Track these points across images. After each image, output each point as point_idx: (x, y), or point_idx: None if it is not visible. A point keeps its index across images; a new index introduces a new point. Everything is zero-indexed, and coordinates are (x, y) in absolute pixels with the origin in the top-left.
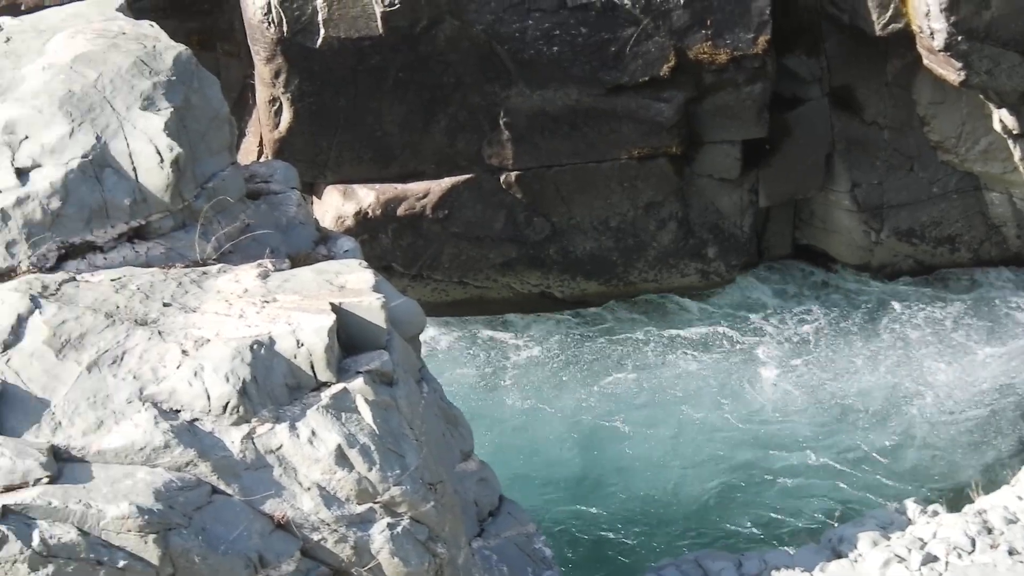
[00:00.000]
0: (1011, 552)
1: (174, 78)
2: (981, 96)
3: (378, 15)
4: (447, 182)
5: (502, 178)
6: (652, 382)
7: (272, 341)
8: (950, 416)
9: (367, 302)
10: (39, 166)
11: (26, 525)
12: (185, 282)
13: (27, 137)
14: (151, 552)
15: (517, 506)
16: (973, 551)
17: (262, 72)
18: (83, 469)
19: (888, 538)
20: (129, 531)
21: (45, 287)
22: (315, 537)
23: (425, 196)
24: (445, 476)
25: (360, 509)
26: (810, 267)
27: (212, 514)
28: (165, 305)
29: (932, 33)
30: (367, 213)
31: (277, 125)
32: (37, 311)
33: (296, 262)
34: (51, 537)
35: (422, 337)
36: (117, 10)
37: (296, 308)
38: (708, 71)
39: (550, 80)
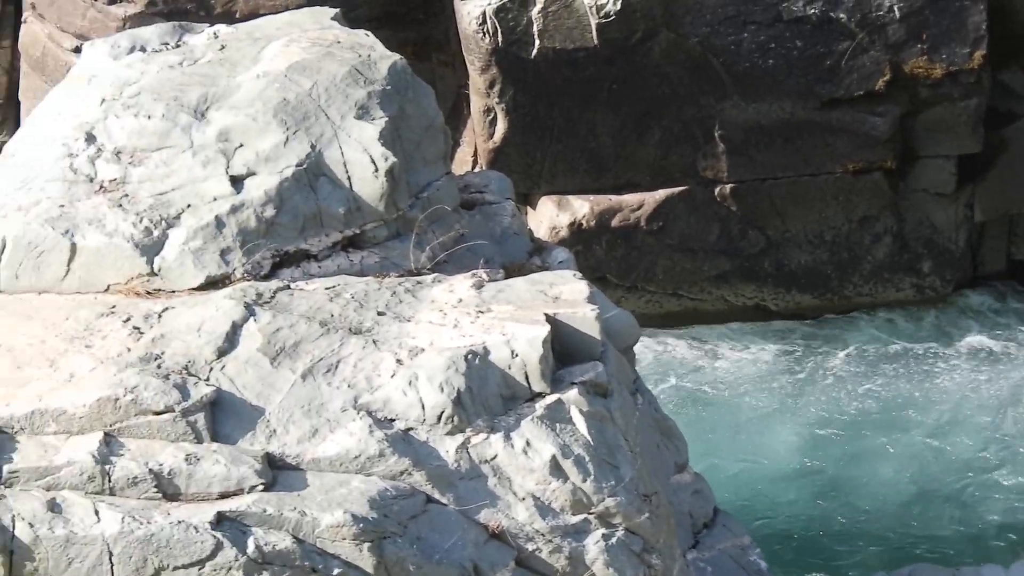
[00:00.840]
0: None
1: (389, 87)
2: None
3: (593, 27)
4: (661, 194)
5: (716, 190)
6: (871, 396)
7: (487, 351)
8: None
9: (581, 313)
10: (254, 174)
11: (241, 532)
12: (399, 291)
13: (242, 145)
14: (366, 560)
15: (732, 518)
16: None
17: (476, 82)
18: (298, 477)
19: None
20: (344, 539)
21: (259, 295)
22: (529, 547)
23: (639, 208)
24: (659, 487)
25: (575, 520)
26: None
27: (427, 523)
28: (379, 314)
29: None
30: (581, 224)
31: (492, 135)
32: (252, 319)
33: (510, 272)
34: (266, 544)
35: (635, 348)
36: (332, 19)
37: (510, 319)
38: (923, 85)
39: (765, 93)
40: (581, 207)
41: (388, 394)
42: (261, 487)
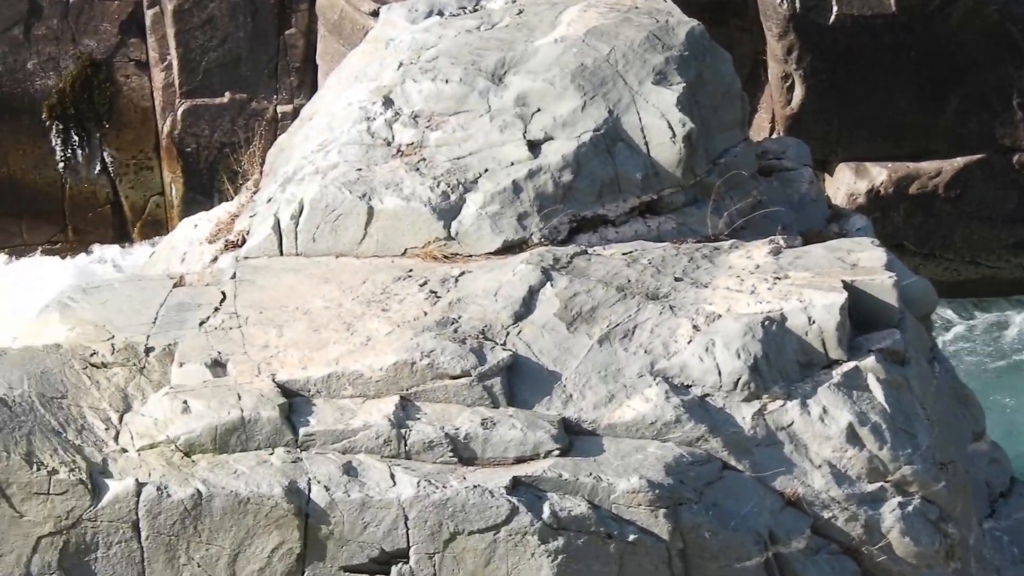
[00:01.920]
0: None
1: (687, 53)
2: None
3: None
4: (959, 161)
5: (1014, 158)
6: None
7: (783, 318)
8: None
9: (879, 280)
10: (551, 139)
11: (536, 497)
12: (696, 257)
13: (539, 110)
14: (661, 527)
15: None
16: None
17: (774, 48)
18: (593, 442)
19: None
20: (639, 505)
21: (556, 260)
22: (825, 515)
23: (937, 175)
24: (956, 456)
25: (871, 488)
26: None
27: (723, 490)
28: (676, 280)
29: None
30: (879, 191)
31: (789, 102)
32: (548, 283)
33: (808, 239)
34: (561, 510)
35: (932, 316)
36: None
37: (808, 285)
38: None
39: None
40: (879, 174)
41: (685, 360)
42: (557, 452)
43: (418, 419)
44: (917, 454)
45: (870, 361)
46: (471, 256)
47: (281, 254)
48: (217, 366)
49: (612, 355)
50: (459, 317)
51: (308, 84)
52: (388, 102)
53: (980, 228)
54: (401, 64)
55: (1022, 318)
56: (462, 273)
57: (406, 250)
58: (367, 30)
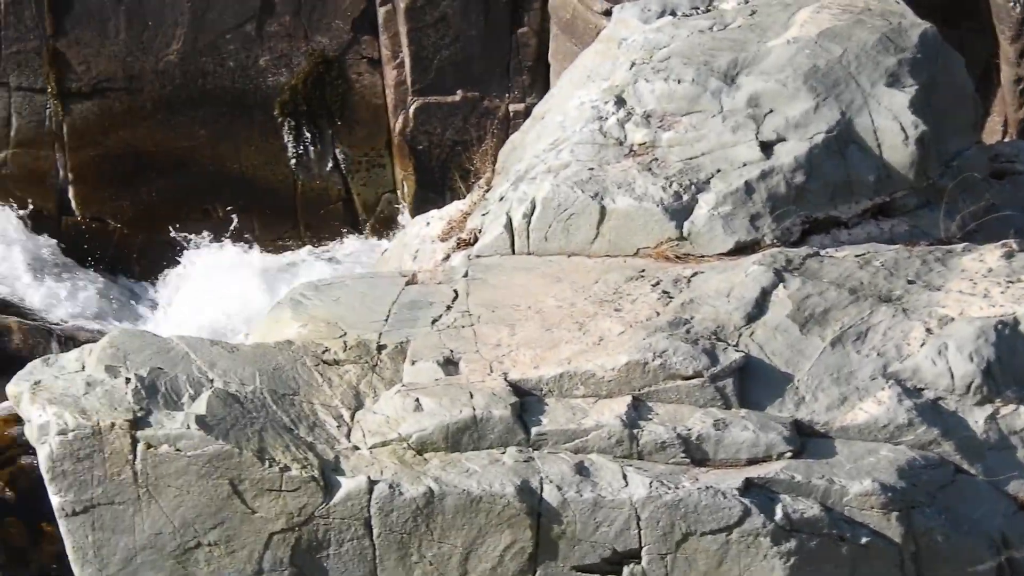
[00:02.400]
0: None
1: (919, 55)
2: None
3: None
4: None
5: None
6: None
7: (1016, 321)
8: None
9: None
10: (783, 140)
11: (769, 499)
12: (929, 260)
13: (771, 111)
14: (894, 530)
15: None
16: None
17: (1007, 51)
18: (826, 445)
19: None
20: (872, 508)
21: (789, 261)
22: None
23: None
24: None
25: None
26: None
27: (956, 494)
28: (909, 282)
29: None
30: None
31: (1022, 105)
32: (781, 285)
33: None
34: (794, 512)
35: None
36: None
37: None
38: None
39: None
40: None
41: (917, 363)
42: (790, 454)
43: (650, 419)
44: None
45: None
46: (703, 256)
47: (513, 252)
48: (449, 364)
49: (844, 357)
50: (691, 318)
51: (540, 83)
52: (620, 101)
53: None
54: (633, 64)
55: None
56: (694, 274)
57: (638, 250)
58: (599, 29)
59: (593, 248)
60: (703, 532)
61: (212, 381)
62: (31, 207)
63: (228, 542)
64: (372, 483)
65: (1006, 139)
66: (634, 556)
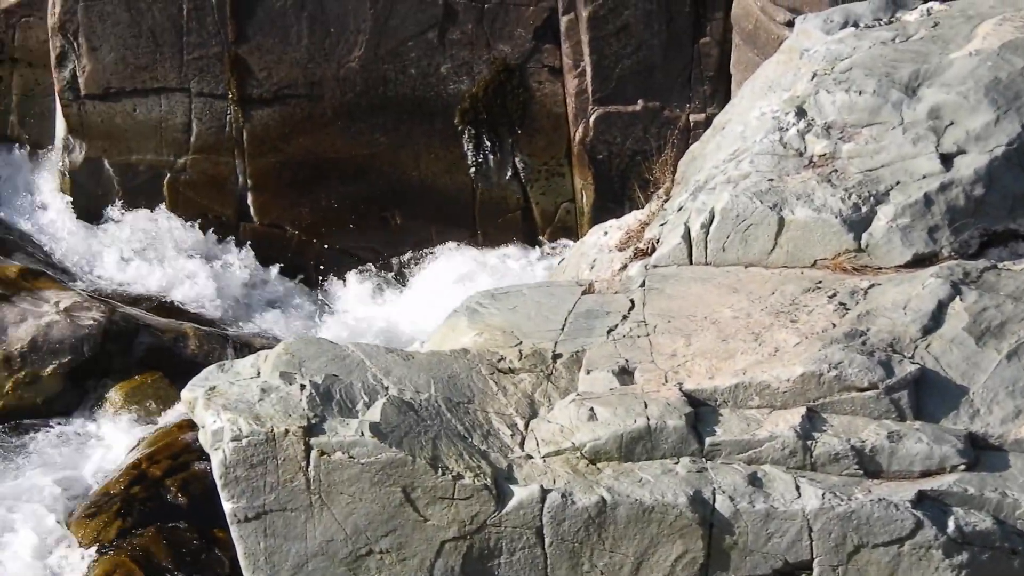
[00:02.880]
0: None
1: None
2: None
3: None
4: None
5: None
6: None
7: None
8: None
9: None
10: (963, 152)
11: (941, 512)
12: None
13: (952, 123)
14: None
15: None
16: None
17: None
18: (999, 458)
19: None
20: None
21: (966, 274)
22: None
23: None
24: None
25: None
26: None
27: None
28: None
29: None
30: None
31: None
32: (958, 297)
33: None
34: (966, 524)
35: None
36: None
37: None
38: None
39: None
40: None
41: None
42: (963, 467)
43: (824, 431)
44: None
45: None
46: (880, 268)
47: (691, 263)
48: (624, 374)
49: (1020, 371)
50: (867, 329)
51: (721, 93)
52: (801, 112)
53: None
54: (815, 75)
55: None
56: (871, 285)
57: (815, 261)
58: (781, 40)
59: (770, 259)
60: (875, 544)
61: (387, 388)
62: (210, 213)
63: (400, 550)
64: (545, 492)
65: None
66: (806, 567)
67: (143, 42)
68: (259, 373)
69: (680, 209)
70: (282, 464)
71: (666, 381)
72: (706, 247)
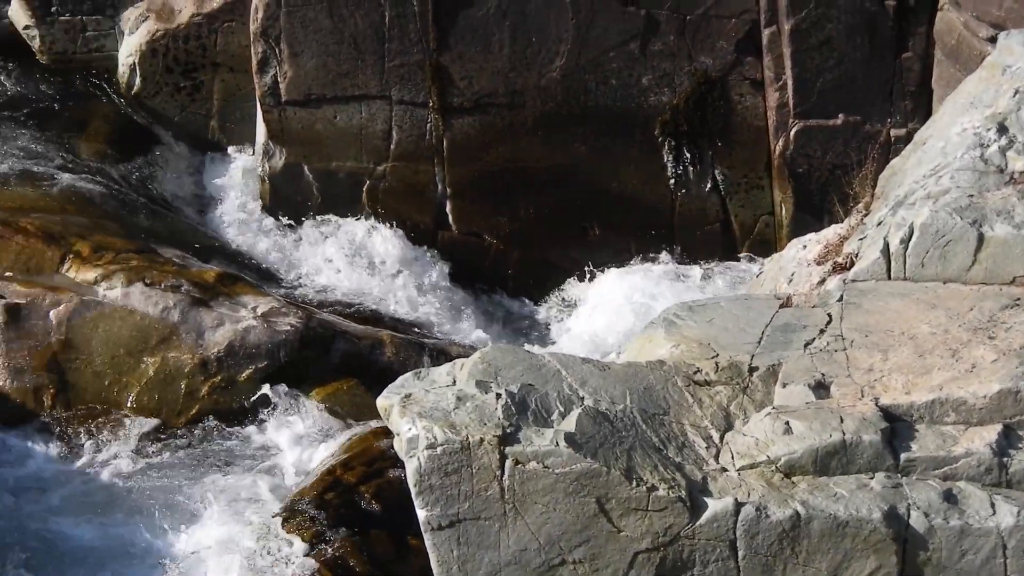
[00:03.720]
0: None
1: None
2: None
3: None
4: None
5: None
6: None
7: None
8: None
9: None
10: None
11: None
12: None
13: None
14: None
15: None
16: None
17: None
18: None
19: None
20: None
21: None
22: None
23: None
24: None
25: None
26: None
27: None
28: None
29: None
30: None
31: None
32: None
33: None
34: None
35: None
36: None
37: None
38: None
39: None
40: None
41: None
42: None
43: (1020, 448)
44: None
45: None
46: None
47: (889, 278)
48: (820, 388)
49: None
50: None
51: (922, 108)
52: (1002, 129)
53: None
54: (1017, 91)
55: None
56: None
57: (1014, 278)
58: (984, 56)
59: (969, 275)
60: None
61: (582, 399)
62: (408, 220)
63: (593, 560)
64: (739, 505)
65: None
66: None
67: (344, 49)
68: (455, 381)
69: (879, 224)
70: (477, 473)
71: (862, 396)
72: (905, 262)
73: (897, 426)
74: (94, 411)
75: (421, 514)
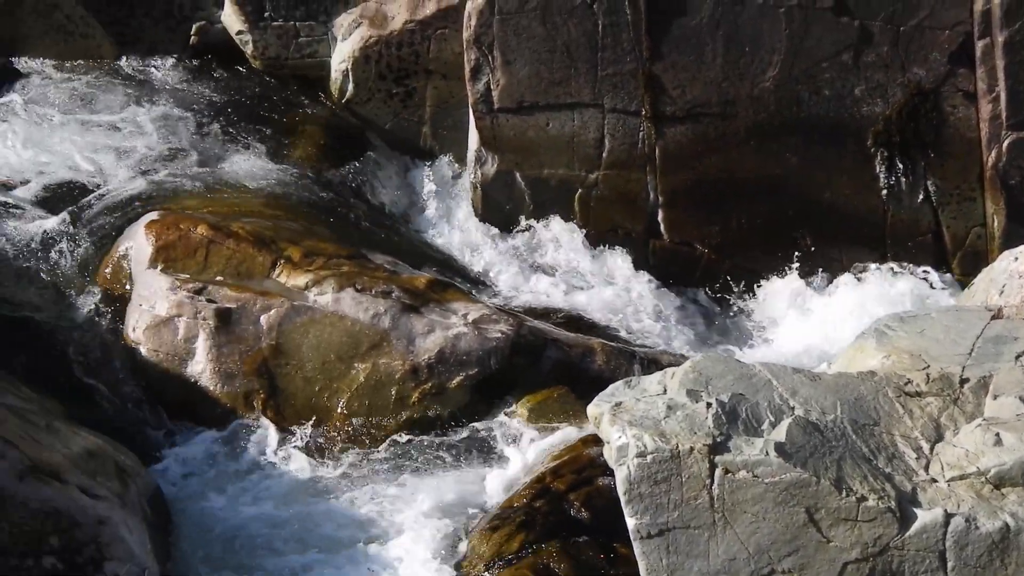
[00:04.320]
0: None
1: None
2: None
3: None
4: None
5: None
6: None
7: None
8: None
9: None
10: None
11: None
12: None
13: None
14: None
15: None
16: None
17: None
18: None
19: None
20: None
21: None
22: None
23: None
24: None
25: None
26: None
27: None
28: None
29: None
30: None
31: None
32: None
33: None
34: None
35: None
36: None
37: None
38: None
39: None
40: None
41: None
42: None
43: None
44: None
45: None
46: None
47: None
48: None
49: None
50: None
51: None
52: None
53: None
54: None
55: None
56: None
57: None
58: None
59: None
60: None
61: (793, 409)
62: (620, 228)
63: (802, 570)
64: (948, 516)
65: None
66: None
67: (557, 57)
68: (665, 390)
69: None
70: (686, 481)
71: None
72: None
73: None
74: (304, 416)
75: (631, 522)
